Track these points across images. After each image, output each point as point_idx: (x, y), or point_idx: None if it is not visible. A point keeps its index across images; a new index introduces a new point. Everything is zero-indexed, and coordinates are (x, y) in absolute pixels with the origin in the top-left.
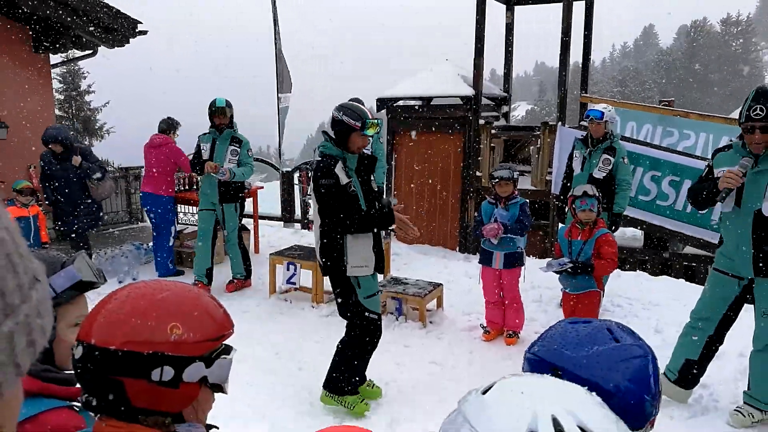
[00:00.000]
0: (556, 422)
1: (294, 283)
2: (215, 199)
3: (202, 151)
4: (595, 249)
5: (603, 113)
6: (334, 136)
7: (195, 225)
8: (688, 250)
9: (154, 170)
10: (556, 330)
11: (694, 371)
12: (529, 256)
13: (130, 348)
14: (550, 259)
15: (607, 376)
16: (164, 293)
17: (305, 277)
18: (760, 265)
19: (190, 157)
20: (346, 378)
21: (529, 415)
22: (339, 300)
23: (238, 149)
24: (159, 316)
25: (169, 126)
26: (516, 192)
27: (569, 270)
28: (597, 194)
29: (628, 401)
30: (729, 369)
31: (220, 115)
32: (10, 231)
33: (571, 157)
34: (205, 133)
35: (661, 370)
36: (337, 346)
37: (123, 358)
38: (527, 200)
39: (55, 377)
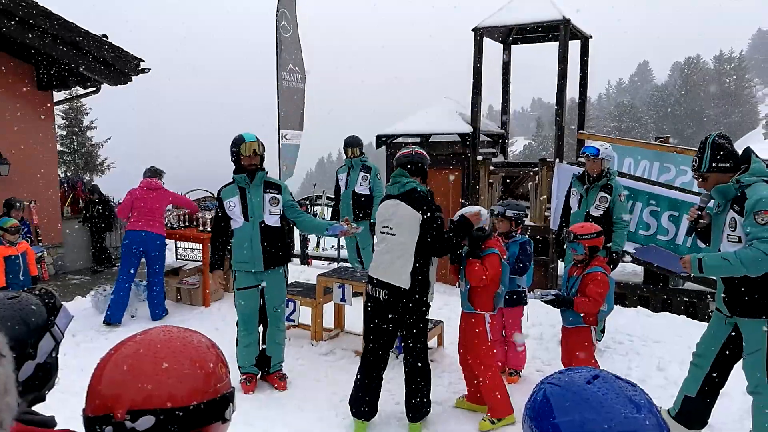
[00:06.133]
0: None
1: (293, 320)
2: (260, 266)
3: (227, 208)
4: (581, 286)
5: (599, 150)
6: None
7: (195, 261)
8: (689, 285)
9: (155, 212)
10: (592, 397)
11: (694, 409)
12: (528, 293)
13: (209, 398)
14: (540, 289)
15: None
16: (193, 339)
17: (304, 314)
18: (731, 303)
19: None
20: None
21: None
22: None
23: (279, 196)
24: (211, 362)
25: (156, 173)
26: (519, 230)
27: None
28: (582, 235)
29: None
30: (734, 408)
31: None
32: None
33: (568, 195)
34: (227, 185)
35: (666, 407)
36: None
37: (205, 409)
38: (528, 238)
39: (33, 419)
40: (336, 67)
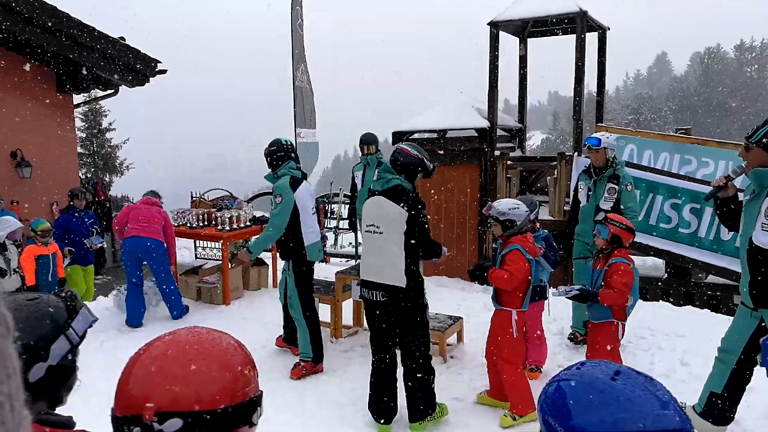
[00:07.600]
0: None
1: None
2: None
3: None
4: (605, 278)
5: (600, 140)
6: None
7: (213, 259)
8: (712, 279)
9: (153, 220)
10: (621, 395)
11: (720, 406)
12: (549, 288)
13: (237, 401)
14: (563, 285)
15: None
16: (222, 341)
17: (324, 311)
18: (756, 296)
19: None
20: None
21: None
22: None
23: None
24: (239, 364)
25: (155, 194)
26: (538, 225)
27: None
28: (613, 220)
29: None
30: (761, 403)
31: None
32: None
33: (576, 190)
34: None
35: (691, 403)
36: None
37: (233, 413)
38: (547, 232)
39: (49, 419)
40: (336, 62)
